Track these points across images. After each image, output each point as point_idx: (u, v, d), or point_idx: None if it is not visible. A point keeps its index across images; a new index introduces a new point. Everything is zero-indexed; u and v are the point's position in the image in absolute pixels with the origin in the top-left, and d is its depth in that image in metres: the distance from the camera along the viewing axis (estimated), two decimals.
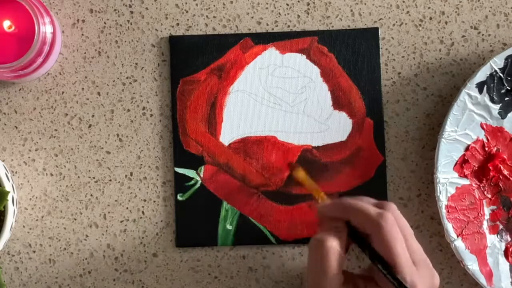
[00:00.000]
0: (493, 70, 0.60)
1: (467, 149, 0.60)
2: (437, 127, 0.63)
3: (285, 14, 0.63)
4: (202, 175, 0.62)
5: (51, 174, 0.62)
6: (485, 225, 0.61)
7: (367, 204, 0.53)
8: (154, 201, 0.62)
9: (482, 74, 0.60)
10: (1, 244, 0.56)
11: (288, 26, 0.63)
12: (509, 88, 0.61)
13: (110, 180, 0.62)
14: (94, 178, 0.62)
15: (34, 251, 0.62)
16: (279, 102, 0.62)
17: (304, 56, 0.62)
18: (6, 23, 0.58)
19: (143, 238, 0.62)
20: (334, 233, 0.52)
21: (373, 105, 0.62)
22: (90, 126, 0.63)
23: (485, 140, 0.61)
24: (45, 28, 0.58)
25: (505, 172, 0.61)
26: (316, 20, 0.63)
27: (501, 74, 0.60)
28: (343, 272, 0.52)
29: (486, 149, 0.61)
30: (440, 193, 0.59)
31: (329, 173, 0.62)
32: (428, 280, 0.51)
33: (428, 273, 0.51)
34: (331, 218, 0.53)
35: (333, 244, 0.51)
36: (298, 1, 0.63)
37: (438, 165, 0.59)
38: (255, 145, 0.62)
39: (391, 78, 0.63)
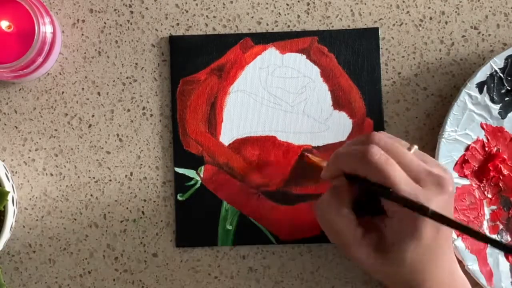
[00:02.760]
0: (493, 70, 0.60)
1: (467, 149, 0.61)
2: (437, 127, 0.63)
3: (285, 14, 0.63)
4: (202, 175, 0.62)
5: (51, 174, 0.62)
6: (485, 225, 0.61)
7: (349, 147, 0.52)
8: (154, 201, 0.62)
9: (482, 74, 0.60)
10: (1, 244, 0.56)
11: (288, 26, 0.63)
12: (509, 88, 0.61)
13: (110, 180, 0.62)
14: (94, 178, 0.62)
15: (34, 251, 0.62)
16: (279, 102, 0.62)
17: (304, 56, 0.62)
18: (6, 23, 0.58)
19: (143, 238, 0.62)
20: (329, 192, 0.52)
21: (373, 105, 0.62)
22: (90, 126, 0.63)
23: (485, 140, 0.61)
24: (45, 28, 0.58)
25: (505, 172, 0.61)
26: (316, 20, 0.63)
27: (501, 74, 0.60)
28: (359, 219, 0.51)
29: (486, 149, 0.61)
30: None
31: None
32: (439, 192, 0.49)
33: (436, 186, 0.49)
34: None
35: (330, 201, 0.51)
36: (298, 1, 0.63)
37: None
38: (255, 145, 0.62)
39: (391, 78, 0.63)
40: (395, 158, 0.49)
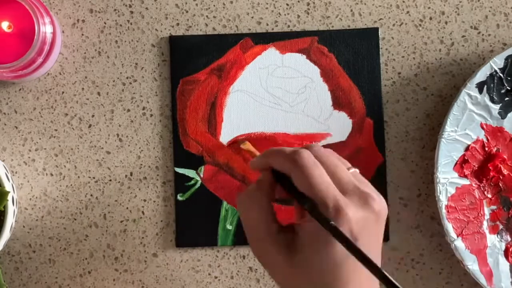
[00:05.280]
0: (493, 70, 0.60)
1: (467, 149, 0.61)
2: (437, 127, 0.63)
3: (285, 14, 0.63)
4: (202, 175, 0.62)
5: (51, 174, 0.62)
6: (485, 225, 0.61)
7: (285, 147, 0.50)
8: (154, 201, 0.62)
9: (482, 74, 0.60)
10: (1, 244, 0.56)
11: (288, 26, 0.63)
12: (509, 88, 0.61)
13: (110, 180, 0.62)
14: (94, 178, 0.62)
15: (34, 251, 0.62)
16: (279, 102, 0.62)
17: (304, 56, 0.62)
18: (6, 23, 0.58)
19: (143, 238, 0.62)
20: (254, 184, 0.50)
21: (373, 105, 0.62)
22: (90, 126, 0.63)
23: (485, 140, 0.61)
24: (45, 28, 0.58)
25: (505, 172, 0.61)
26: (316, 20, 0.63)
27: (501, 74, 0.60)
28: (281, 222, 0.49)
29: (486, 149, 0.61)
30: (440, 193, 0.59)
31: None
32: (361, 206, 0.46)
33: (360, 200, 0.46)
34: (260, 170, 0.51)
35: (251, 193, 0.49)
36: (298, 1, 0.63)
37: (438, 165, 0.59)
38: (255, 145, 0.62)
39: (391, 78, 0.63)
40: (325, 167, 0.47)
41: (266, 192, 0.49)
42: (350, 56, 0.62)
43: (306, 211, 0.47)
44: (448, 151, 0.60)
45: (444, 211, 0.59)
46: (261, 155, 0.52)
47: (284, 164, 0.48)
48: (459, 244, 0.59)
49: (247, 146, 0.61)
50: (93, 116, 0.63)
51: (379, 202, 0.47)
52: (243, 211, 0.50)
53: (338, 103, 0.62)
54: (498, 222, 0.61)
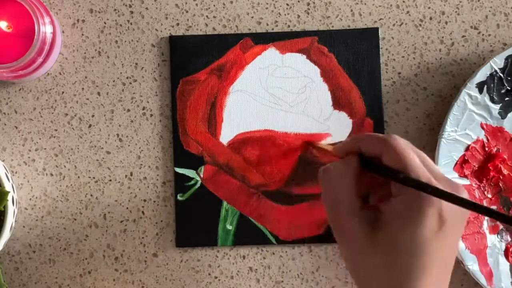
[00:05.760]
0: (493, 70, 0.60)
1: (467, 149, 0.61)
2: (437, 127, 0.63)
3: (285, 14, 0.63)
4: (202, 175, 0.62)
5: (51, 174, 0.62)
6: (485, 225, 0.61)
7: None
8: (154, 201, 0.62)
9: (482, 74, 0.60)
10: (1, 244, 0.56)
11: (288, 26, 0.63)
12: (509, 88, 0.61)
13: (110, 180, 0.62)
14: (94, 178, 0.62)
15: (34, 251, 0.62)
16: (279, 102, 0.62)
17: (304, 56, 0.62)
18: (6, 23, 0.58)
19: (143, 238, 0.62)
20: (341, 161, 0.50)
21: (373, 105, 0.62)
22: (90, 126, 0.63)
23: (485, 140, 0.61)
24: (45, 28, 0.58)
25: (505, 172, 0.61)
26: (316, 20, 0.63)
27: (501, 74, 0.60)
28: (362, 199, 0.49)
29: (486, 149, 0.61)
30: None
31: None
32: (450, 190, 0.45)
33: (450, 188, 0.46)
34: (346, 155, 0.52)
35: (338, 167, 0.49)
36: (298, 1, 0.63)
37: (438, 165, 0.59)
38: (255, 145, 0.62)
39: (391, 78, 0.63)
40: (415, 153, 0.48)
41: (353, 169, 0.49)
42: (350, 56, 0.62)
43: (393, 190, 0.47)
44: (448, 151, 0.60)
45: None
46: (350, 139, 0.52)
47: (376, 146, 0.49)
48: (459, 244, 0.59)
49: (319, 143, 0.61)
50: (93, 116, 0.63)
51: (465, 190, 0.47)
52: (328, 184, 0.50)
53: (338, 103, 0.62)
54: (498, 222, 0.61)
